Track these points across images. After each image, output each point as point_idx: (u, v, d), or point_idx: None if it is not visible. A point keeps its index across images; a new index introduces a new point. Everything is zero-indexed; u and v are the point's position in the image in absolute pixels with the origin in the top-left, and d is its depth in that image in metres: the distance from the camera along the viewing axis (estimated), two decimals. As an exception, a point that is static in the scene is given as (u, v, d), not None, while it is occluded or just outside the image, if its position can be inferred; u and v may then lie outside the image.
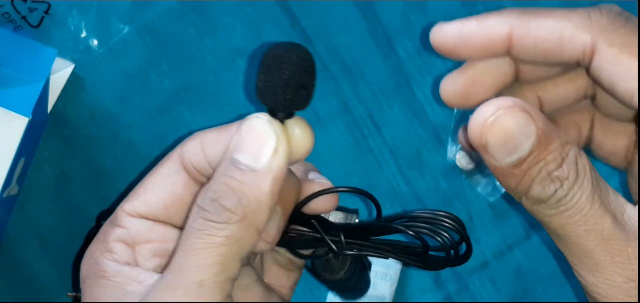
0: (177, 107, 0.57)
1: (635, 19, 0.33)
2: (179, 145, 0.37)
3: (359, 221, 0.43)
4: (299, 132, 0.34)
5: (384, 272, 0.55)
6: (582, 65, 0.33)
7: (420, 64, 0.57)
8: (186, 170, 0.36)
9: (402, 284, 0.56)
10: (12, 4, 0.52)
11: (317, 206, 0.38)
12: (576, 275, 0.33)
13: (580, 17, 0.32)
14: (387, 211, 0.57)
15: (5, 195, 0.52)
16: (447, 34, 0.36)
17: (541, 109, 0.38)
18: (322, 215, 0.41)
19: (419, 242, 0.39)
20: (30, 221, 0.57)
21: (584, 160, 0.32)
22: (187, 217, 0.34)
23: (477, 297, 0.56)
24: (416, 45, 0.57)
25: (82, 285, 0.35)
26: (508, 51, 0.34)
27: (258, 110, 0.35)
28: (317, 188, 0.39)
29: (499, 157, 0.32)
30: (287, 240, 0.40)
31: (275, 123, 0.33)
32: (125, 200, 0.37)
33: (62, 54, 0.56)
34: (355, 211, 0.54)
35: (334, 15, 0.57)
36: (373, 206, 0.43)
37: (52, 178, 0.57)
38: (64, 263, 0.56)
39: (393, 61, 0.57)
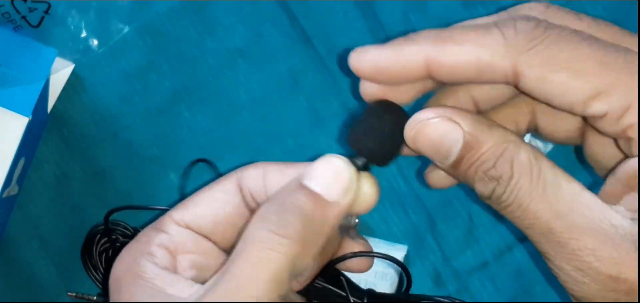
0: (177, 108, 0.57)
1: (557, 27, 0.32)
2: (240, 169, 0.37)
3: (384, 293, 0.45)
4: (368, 189, 0.35)
5: (383, 272, 0.55)
6: (510, 84, 0.33)
7: (420, 64, 0.57)
8: (242, 194, 0.36)
9: (402, 284, 0.56)
10: (12, 3, 0.52)
11: (351, 265, 0.39)
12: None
13: (495, 41, 0.32)
14: (387, 212, 0.57)
15: (5, 195, 0.52)
16: (363, 61, 0.36)
17: (476, 108, 0.38)
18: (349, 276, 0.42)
19: None
20: (30, 221, 0.57)
21: (522, 156, 0.32)
22: (237, 239, 0.34)
23: (477, 297, 0.56)
24: (416, 45, 0.57)
25: (115, 284, 0.35)
26: (427, 76, 0.34)
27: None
28: (355, 248, 0.40)
29: (437, 162, 0.34)
30: (308, 288, 0.39)
31: (352, 167, 0.34)
32: (174, 208, 0.37)
33: (62, 54, 0.56)
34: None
35: (334, 15, 0.57)
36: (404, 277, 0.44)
37: (52, 178, 0.57)
38: (64, 263, 0.56)
39: (393, 61, 0.57)
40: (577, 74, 0.31)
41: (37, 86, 0.53)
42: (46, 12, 0.54)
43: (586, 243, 0.31)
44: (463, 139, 0.32)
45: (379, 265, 0.56)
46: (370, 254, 0.40)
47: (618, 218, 0.31)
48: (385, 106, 0.36)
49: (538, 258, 0.56)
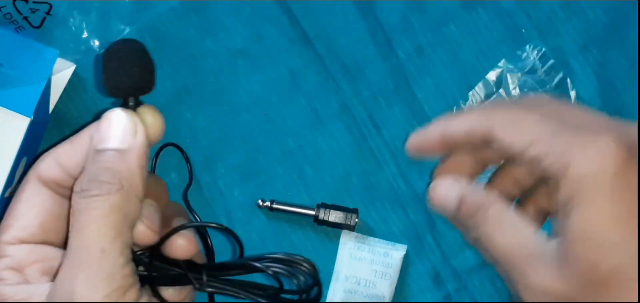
0: (177, 108, 0.57)
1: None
2: (33, 167, 0.40)
3: (222, 261, 0.46)
4: (151, 119, 0.39)
5: (383, 271, 0.56)
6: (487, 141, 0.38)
7: (420, 65, 0.57)
8: (48, 187, 0.39)
9: (401, 283, 0.56)
10: (14, 4, 0.53)
11: (176, 247, 0.41)
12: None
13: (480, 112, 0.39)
14: (387, 212, 0.57)
15: (7, 194, 0.53)
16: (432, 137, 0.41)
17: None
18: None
19: (276, 283, 0.43)
20: (32, 220, 0.57)
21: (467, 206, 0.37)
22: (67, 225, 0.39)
23: (477, 296, 0.56)
24: (416, 45, 0.57)
25: None
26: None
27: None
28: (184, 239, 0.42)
29: (443, 211, 0.40)
30: (150, 279, 0.41)
31: (129, 111, 0.38)
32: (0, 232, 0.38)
33: (64, 55, 0.56)
34: (355, 211, 0.55)
35: (334, 15, 0.57)
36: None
37: (54, 177, 0.57)
38: (66, 263, 0.56)
39: (393, 62, 0.57)
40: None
41: (38, 87, 0.53)
42: (48, 13, 0.54)
43: (526, 268, 0.34)
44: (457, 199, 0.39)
45: (378, 265, 0.56)
46: (191, 225, 0.42)
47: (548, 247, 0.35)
48: (117, 47, 0.40)
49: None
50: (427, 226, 0.57)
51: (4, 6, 0.52)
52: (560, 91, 0.57)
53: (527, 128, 0.35)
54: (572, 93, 0.57)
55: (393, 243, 0.56)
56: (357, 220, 0.55)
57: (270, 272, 0.43)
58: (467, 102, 0.57)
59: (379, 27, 0.57)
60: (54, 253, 0.38)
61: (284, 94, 0.57)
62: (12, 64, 0.53)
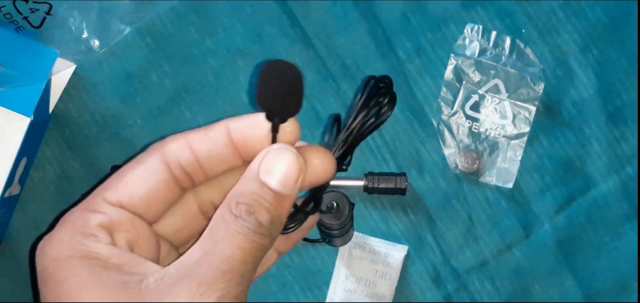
0: (177, 107, 0.57)
1: None
2: (157, 144, 0.38)
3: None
4: (318, 162, 0.39)
5: (383, 271, 0.56)
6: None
7: (420, 65, 0.57)
8: (169, 169, 0.37)
9: (402, 283, 0.56)
10: (14, 4, 0.53)
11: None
12: None
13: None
14: (387, 212, 0.57)
15: (7, 194, 0.53)
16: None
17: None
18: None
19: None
20: (32, 220, 0.57)
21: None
22: (165, 212, 0.38)
23: (476, 296, 0.56)
24: (415, 45, 0.57)
25: (56, 272, 0.34)
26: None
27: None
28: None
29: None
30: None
31: (301, 159, 0.38)
32: (103, 188, 0.37)
33: (64, 55, 0.56)
34: (403, 174, 0.56)
35: (334, 15, 0.57)
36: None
37: (54, 177, 0.57)
38: (66, 263, 0.56)
39: (392, 61, 0.57)
40: None
41: (38, 87, 0.53)
42: (48, 13, 0.54)
43: None
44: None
45: (379, 264, 0.56)
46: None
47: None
48: (275, 66, 0.39)
49: (536, 257, 0.57)
50: (427, 226, 0.57)
51: (4, 6, 0.52)
52: (518, 56, 0.57)
53: None
54: (528, 50, 0.57)
55: (394, 243, 0.56)
56: (406, 183, 0.55)
57: None
58: (437, 108, 0.57)
59: (379, 27, 0.57)
60: (143, 228, 0.37)
61: (284, 94, 0.57)
62: (12, 64, 0.53)
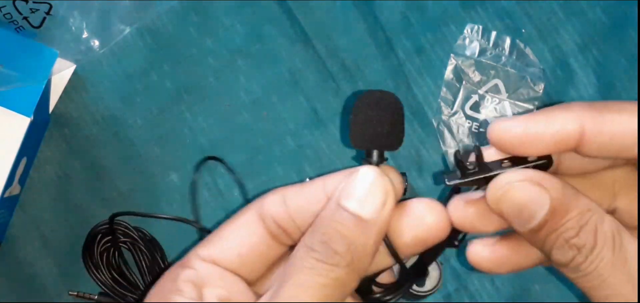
0: (177, 107, 0.57)
1: None
2: (259, 199, 0.36)
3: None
4: (425, 210, 0.35)
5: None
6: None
7: (420, 64, 0.57)
8: (265, 224, 0.35)
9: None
10: (14, 4, 0.53)
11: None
12: None
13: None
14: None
15: (7, 194, 0.53)
16: (509, 131, 0.34)
17: (560, 170, 0.38)
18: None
19: None
20: (32, 220, 0.57)
21: (606, 227, 0.32)
22: (263, 269, 0.36)
23: (476, 296, 0.56)
24: (415, 45, 0.57)
25: None
26: (577, 148, 0.34)
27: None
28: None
29: (517, 225, 0.33)
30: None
31: (387, 178, 0.33)
32: (200, 244, 0.36)
33: (64, 55, 0.56)
34: (403, 174, 0.54)
35: (334, 15, 0.57)
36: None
37: (54, 177, 0.57)
38: (66, 263, 0.56)
39: (392, 61, 0.57)
40: None
41: (38, 87, 0.53)
42: (48, 13, 0.54)
43: None
44: (549, 205, 0.32)
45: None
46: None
47: None
48: (374, 97, 0.36)
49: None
50: (427, 226, 0.57)
51: (4, 6, 0.52)
52: (518, 56, 0.57)
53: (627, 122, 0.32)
54: (528, 50, 0.57)
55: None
56: (406, 183, 0.54)
57: None
58: (438, 106, 0.57)
59: (379, 27, 0.57)
60: (239, 286, 0.35)
61: (284, 94, 0.57)
62: (12, 64, 0.53)
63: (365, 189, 0.33)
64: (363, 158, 0.35)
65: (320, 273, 0.32)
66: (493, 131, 0.34)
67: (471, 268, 0.56)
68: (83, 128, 0.57)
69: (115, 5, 0.56)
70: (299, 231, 0.35)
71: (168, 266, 0.54)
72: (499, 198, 0.33)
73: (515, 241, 0.36)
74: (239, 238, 0.35)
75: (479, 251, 0.37)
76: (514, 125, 0.34)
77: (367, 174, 0.33)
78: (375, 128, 0.35)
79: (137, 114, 0.57)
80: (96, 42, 0.56)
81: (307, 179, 0.37)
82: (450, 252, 0.56)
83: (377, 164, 0.35)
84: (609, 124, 0.33)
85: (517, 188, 0.33)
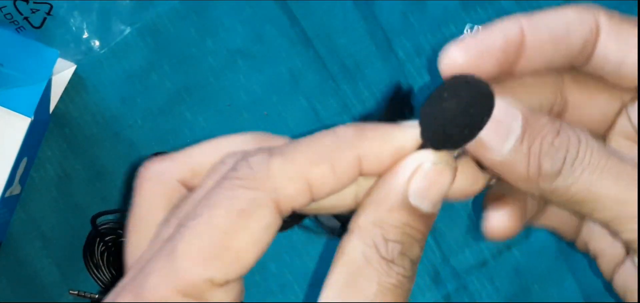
0: (178, 108, 0.57)
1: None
2: (267, 179, 0.28)
3: None
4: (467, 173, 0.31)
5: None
6: (586, 50, 0.32)
7: (419, 65, 0.57)
8: (282, 215, 0.28)
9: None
10: (15, 4, 0.53)
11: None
12: (620, 239, 0.31)
13: (581, 8, 0.32)
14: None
15: (7, 194, 0.53)
16: (465, 49, 0.32)
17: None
18: None
19: None
20: (32, 220, 0.57)
21: (578, 128, 0.30)
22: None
23: (476, 296, 0.56)
24: (415, 45, 0.57)
25: None
26: (520, 53, 0.32)
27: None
28: None
29: (497, 147, 0.30)
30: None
31: (453, 166, 0.30)
32: (204, 260, 0.27)
33: (64, 55, 0.56)
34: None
35: (334, 15, 0.57)
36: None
37: (54, 177, 0.57)
38: (66, 262, 0.56)
39: (392, 62, 0.57)
40: None
41: (39, 87, 0.53)
42: (48, 13, 0.54)
43: None
44: (521, 115, 0.29)
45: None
46: None
47: None
48: (465, 82, 0.31)
49: (536, 257, 0.57)
50: (427, 226, 0.57)
51: (5, 6, 0.53)
52: None
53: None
54: None
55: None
56: None
57: None
58: None
59: (379, 27, 0.57)
60: (241, 286, 0.29)
61: (284, 94, 0.57)
62: (13, 65, 0.53)
63: (443, 190, 0.29)
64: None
65: (404, 292, 0.29)
66: (449, 56, 0.32)
67: (469, 269, 0.56)
68: (83, 128, 0.57)
69: (115, 5, 0.56)
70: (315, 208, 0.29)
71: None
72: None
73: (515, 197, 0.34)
74: (257, 246, 0.28)
75: (500, 222, 0.33)
76: (469, 43, 0.32)
77: (445, 174, 0.29)
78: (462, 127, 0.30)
79: (137, 114, 0.57)
80: (97, 43, 0.56)
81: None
82: (450, 251, 0.56)
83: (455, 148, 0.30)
84: (544, 23, 0.32)
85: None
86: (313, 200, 0.28)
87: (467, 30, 0.57)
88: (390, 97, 0.35)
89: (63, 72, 0.57)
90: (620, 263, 0.34)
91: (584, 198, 0.30)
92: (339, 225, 0.53)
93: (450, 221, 0.57)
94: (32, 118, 0.52)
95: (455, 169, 0.29)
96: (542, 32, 0.31)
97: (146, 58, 0.57)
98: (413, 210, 0.28)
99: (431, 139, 0.29)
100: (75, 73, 0.57)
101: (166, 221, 0.29)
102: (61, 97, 0.57)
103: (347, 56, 0.57)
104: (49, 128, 0.57)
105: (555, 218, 0.36)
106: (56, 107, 0.57)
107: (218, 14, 0.57)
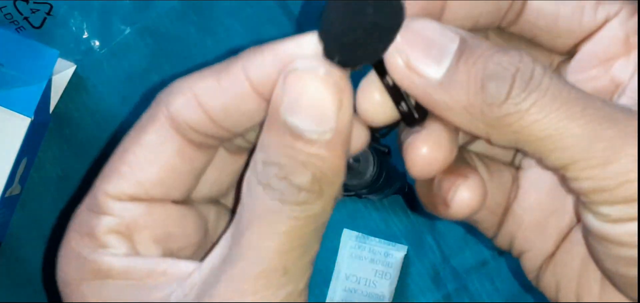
0: (178, 108, 0.57)
1: None
2: (162, 102, 0.29)
3: None
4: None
5: (383, 271, 0.56)
6: (514, 6, 0.27)
7: (420, 65, 0.57)
8: (180, 133, 0.28)
9: (401, 283, 0.56)
10: (15, 5, 0.53)
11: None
12: (574, 189, 0.26)
13: None
14: (387, 212, 0.57)
15: (7, 194, 0.53)
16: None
17: None
18: None
19: None
20: (32, 220, 0.57)
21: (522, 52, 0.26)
22: (193, 184, 0.29)
23: (476, 296, 0.56)
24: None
25: (70, 293, 0.28)
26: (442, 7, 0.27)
27: None
28: None
29: (429, 70, 0.25)
30: None
31: (334, 71, 0.25)
32: (104, 179, 0.29)
33: (64, 55, 0.56)
34: (403, 174, 0.49)
35: (334, 16, 0.57)
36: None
37: (54, 177, 0.57)
38: (66, 262, 0.56)
39: (392, 62, 0.57)
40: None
41: (39, 87, 0.53)
42: (48, 13, 0.54)
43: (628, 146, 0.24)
44: (458, 35, 0.25)
45: (378, 264, 0.56)
46: None
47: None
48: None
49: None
50: (427, 227, 0.57)
51: (5, 6, 0.53)
52: None
53: None
54: None
55: (394, 243, 0.56)
56: (406, 183, 0.54)
57: None
58: None
59: (378, 27, 0.57)
60: (169, 213, 0.28)
61: (284, 94, 0.57)
62: (13, 65, 0.53)
63: (315, 97, 0.25)
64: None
65: (289, 215, 0.25)
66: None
67: (469, 269, 0.56)
68: (83, 128, 0.57)
69: (115, 5, 0.56)
70: (227, 132, 0.28)
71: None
72: (400, 43, 0.25)
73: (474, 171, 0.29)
74: (156, 160, 0.28)
75: (466, 197, 0.28)
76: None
77: (311, 79, 0.25)
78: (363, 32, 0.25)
79: (137, 114, 0.57)
80: (97, 43, 0.56)
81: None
82: (450, 251, 0.56)
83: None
84: None
85: (416, 22, 0.25)
86: (214, 120, 0.27)
87: None
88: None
89: (63, 72, 0.57)
90: (550, 257, 0.30)
91: (538, 133, 0.24)
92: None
93: (450, 221, 0.57)
94: (32, 118, 0.52)
95: (336, 79, 0.25)
96: None
97: (146, 58, 0.57)
98: (291, 129, 0.24)
99: (328, 52, 0.25)
100: (75, 73, 0.57)
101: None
102: (61, 97, 0.57)
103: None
104: (49, 128, 0.57)
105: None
106: (56, 107, 0.57)
107: (218, 14, 0.57)
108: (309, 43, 0.26)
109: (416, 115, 0.26)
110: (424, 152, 0.28)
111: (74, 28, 0.55)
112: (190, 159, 0.28)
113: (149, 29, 0.57)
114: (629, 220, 0.25)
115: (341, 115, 0.25)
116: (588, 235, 0.27)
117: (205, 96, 0.28)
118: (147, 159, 0.28)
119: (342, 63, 0.25)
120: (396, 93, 0.26)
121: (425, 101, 0.26)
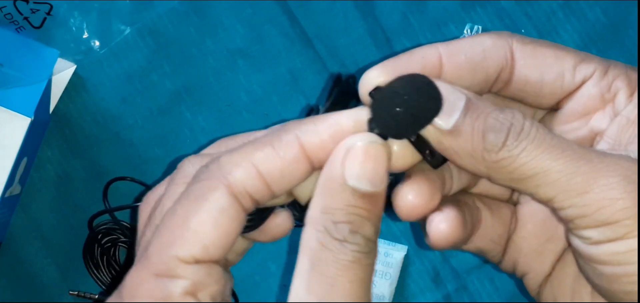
0: (178, 108, 0.57)
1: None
2: (217, 170, 0.31)
3: None
4: (397, 147, 0.32)
5: (383, 271, 0.56)
6: (504, 74, 0.34)
7: (420, 65, 0.57)
8: (240, 202, 0.31)
9: (401, 283, 0.56)
10: (15, 4, 0.53)
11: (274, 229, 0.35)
12: (562, 217, 0.31)
13: (495, 35, 0.35)
14: (387, 213, 0.57)
15: (7, 194, 0.53)
16: (384, 70, 0.34)
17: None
18: None
19: None
20: (32, 220, 0.57)
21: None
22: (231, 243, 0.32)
23: (476, 296, 0.56)
24: (415, 45, 0.57)
25: None
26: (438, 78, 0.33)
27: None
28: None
29: (441, 122, 0.31)
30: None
31: (385, 144, 0.31)
32: (170, 242, 0.30)
33: (64, 55, 0.56)
34: (403, 174, 0.50)
35: (334, 15, 0.57)
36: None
37: (54, 177, 0.57)
38: (66, 262, 0.56)
39: (392, 62, 0.57)
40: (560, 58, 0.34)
41: (39, 87, 0.53)
42: (48, 13, 0.54)
43: (610, 181, 0.30)
44: (464, 95, 0.31)
45: (378, 264, 0.56)
46: None
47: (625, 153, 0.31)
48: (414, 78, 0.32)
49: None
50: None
51: (5, 6, 0.53)
52: None
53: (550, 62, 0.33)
54: None
55: (394, 243, 0.56)
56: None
57: None
58: None
59: (379, 27, 0.57)
60: (220, 274, 0.31)
61: (283, 94, 0.57)
62: (13, 64, 0.53)
63: (374, 165, 0.31)
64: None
65: (362, 266, 0.30)
66: (364, 84, 0.34)
67: (469, 269, 0.56)
68: (83, 128, 0.57)
69: (115, 5, 0.56)
70: (272, 196, 0.31)
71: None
72: None
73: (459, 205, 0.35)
74: (216, 227, 0.31)
75: (443, 228, 0.34)
76: (382, 72, 0.34)
77: (371, 149, 0.31)
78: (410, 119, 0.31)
79: (137, 114, 0.57)
80: (97, 43, 0.56)
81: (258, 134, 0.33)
82: (450, 251, 0.56)
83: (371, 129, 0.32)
84: (461, 49, 0.34)
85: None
86: (269, 186, 0.31)
87: (466, 31, 0.57)
88: (331, 87, 0.35)
89: (63, 72, 0.57)
90: (547, 276, 0.35)
91: (528, 172, 0.30)
92: None
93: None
94: (32, 118, 0.52)
95: (387, 147, 0.31)
96: (459, 58, 0.33)
97: (146, 58, 0.57)
98: (354, 191, 0.30)
99: (382, 128, 0.31)
100: (75, 73, 0.57)
101: (146, 226, 0.33)
102: (61, 97, 0.57)
103: (347, 56, 0.57)
104: (49, 128, 0.57)
105: (483, 240, 0.36)
106: (56, 107, 0.57)
107: (218, 14, 0.57)
108: (358, 116, 0.31)
109: (441, 159, 0.32)
110: (409, 198, 0.33)
111: (73, 28, 0.55)
112: (241, 224, 0.31)
113: (149, 29, 0.57)
114: (607, 241, 0.30)
115: (385, 179, 0.31)
116: (577, 255, 0.33)
117: (264, 165, 0.31)
118: (211, 225, 0.31)
119: (391, 136, 0.31)
120: (421, 144, 0.32)
121: (438, 147, 0.31)
